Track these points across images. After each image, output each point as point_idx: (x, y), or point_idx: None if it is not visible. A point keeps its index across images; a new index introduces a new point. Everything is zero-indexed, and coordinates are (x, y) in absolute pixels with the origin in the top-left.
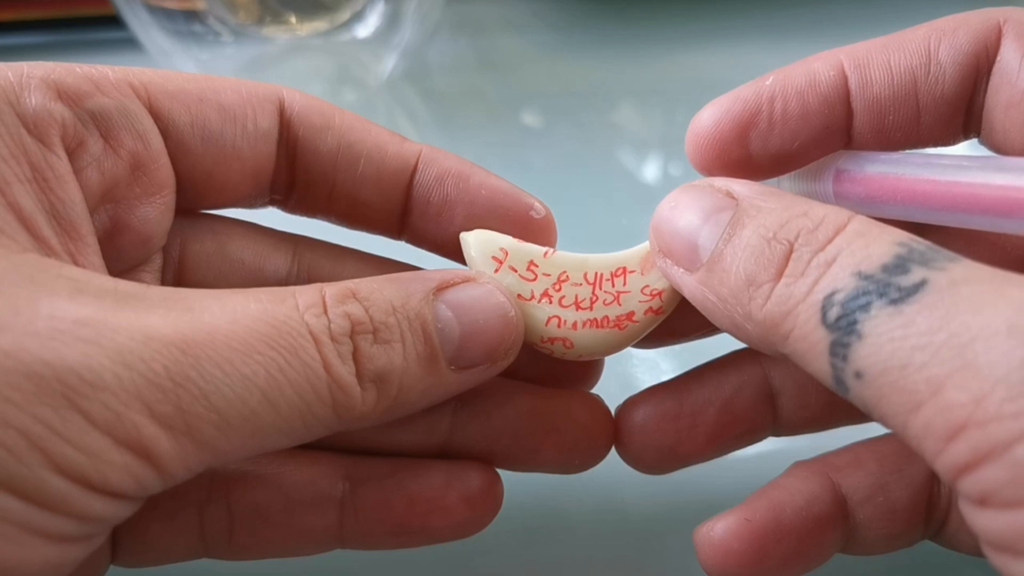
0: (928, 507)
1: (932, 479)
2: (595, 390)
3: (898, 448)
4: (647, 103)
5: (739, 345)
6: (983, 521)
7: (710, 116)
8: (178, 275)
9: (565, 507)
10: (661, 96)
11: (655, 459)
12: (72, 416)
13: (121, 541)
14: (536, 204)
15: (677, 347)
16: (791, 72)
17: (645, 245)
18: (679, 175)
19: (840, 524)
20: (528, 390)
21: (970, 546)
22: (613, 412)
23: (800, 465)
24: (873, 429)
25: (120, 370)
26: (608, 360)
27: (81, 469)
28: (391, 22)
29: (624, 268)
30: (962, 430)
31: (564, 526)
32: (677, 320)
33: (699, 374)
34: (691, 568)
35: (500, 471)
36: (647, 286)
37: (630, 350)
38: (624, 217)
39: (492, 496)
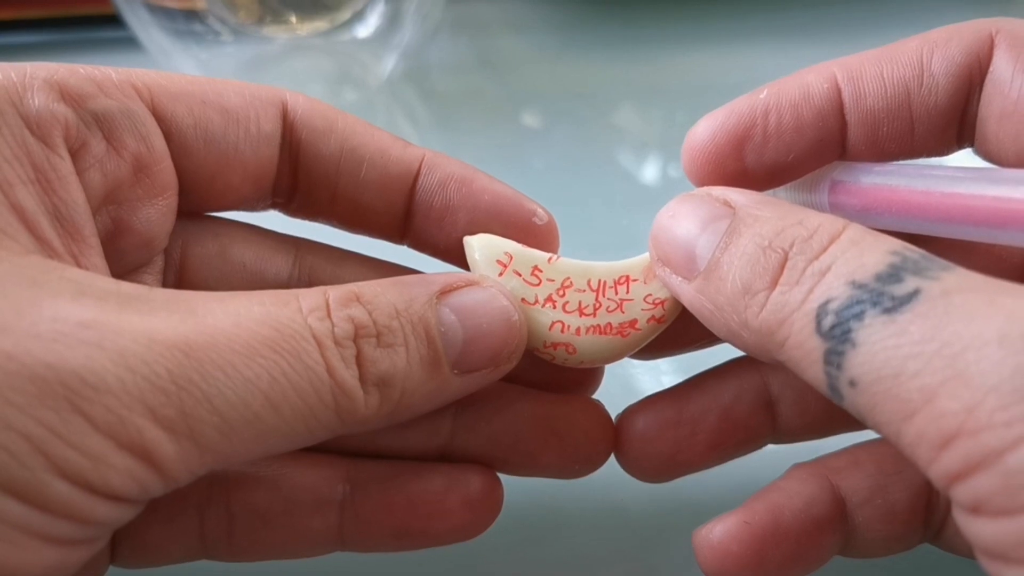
0: (927, 510)
1: (931, 482)
2: (596, 395)
3: (897, 451)
4: (647, 104)
5: (739, 353)
6: (976, 529)
7: (705, 130)
8: (179, 277)
9: (565, 509)
10: (661, 97)
11: (655, 467)
12: (74, 419)
13: (121, 542)
14: (539, 210)
15: None
16: (785, 85)
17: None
18: (679, 176)
19: (839, 526)
20: (529, 395)
21: (969, 549)
22: (614, 417)
23: (799, 467)
24: (871, 435)
25: (123, 373)
26: (609, 365)
27: (83, 472)
28: (391, 22)
29: (627, 276)
30: (954, 439)
31: (564, 528)
32: (679, 330)
33: (699, 382)
34: (690, 570)
35: (500, 474)
36: (650, 295)
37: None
38: (623, 218)
39: (492, 499)
